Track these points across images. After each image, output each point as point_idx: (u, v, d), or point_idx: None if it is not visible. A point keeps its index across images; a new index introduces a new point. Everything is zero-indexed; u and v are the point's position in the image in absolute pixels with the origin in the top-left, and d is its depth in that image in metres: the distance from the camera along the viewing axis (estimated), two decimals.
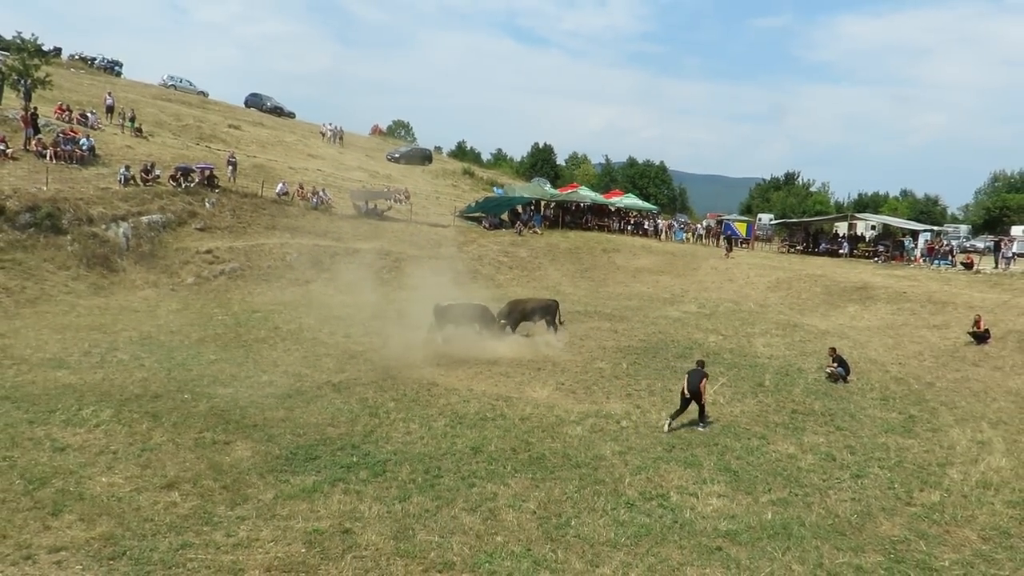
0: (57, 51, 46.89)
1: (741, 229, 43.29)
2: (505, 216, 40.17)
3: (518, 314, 20.16)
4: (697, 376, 13.46)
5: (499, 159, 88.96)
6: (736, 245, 39.73)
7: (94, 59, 53.73)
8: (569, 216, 42.30)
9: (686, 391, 13.36)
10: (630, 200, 48.17)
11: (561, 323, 20.67)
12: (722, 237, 41.59)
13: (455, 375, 16.03)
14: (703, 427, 13.38)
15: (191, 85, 56.78)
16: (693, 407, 13.48)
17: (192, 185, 29.26)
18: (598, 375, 16.74)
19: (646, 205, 49.68)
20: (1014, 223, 56.68)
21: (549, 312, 20.50)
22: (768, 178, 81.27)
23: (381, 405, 13.62)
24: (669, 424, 13.23)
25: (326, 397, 13.91)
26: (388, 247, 30.56)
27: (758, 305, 27.76)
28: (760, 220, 53.21)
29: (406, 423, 12.72)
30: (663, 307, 26.62)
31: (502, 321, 19.72)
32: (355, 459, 10.97)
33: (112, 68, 54.09)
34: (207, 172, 30.23)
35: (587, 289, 30.70)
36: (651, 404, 14.72)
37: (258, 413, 12.71)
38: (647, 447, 12.29)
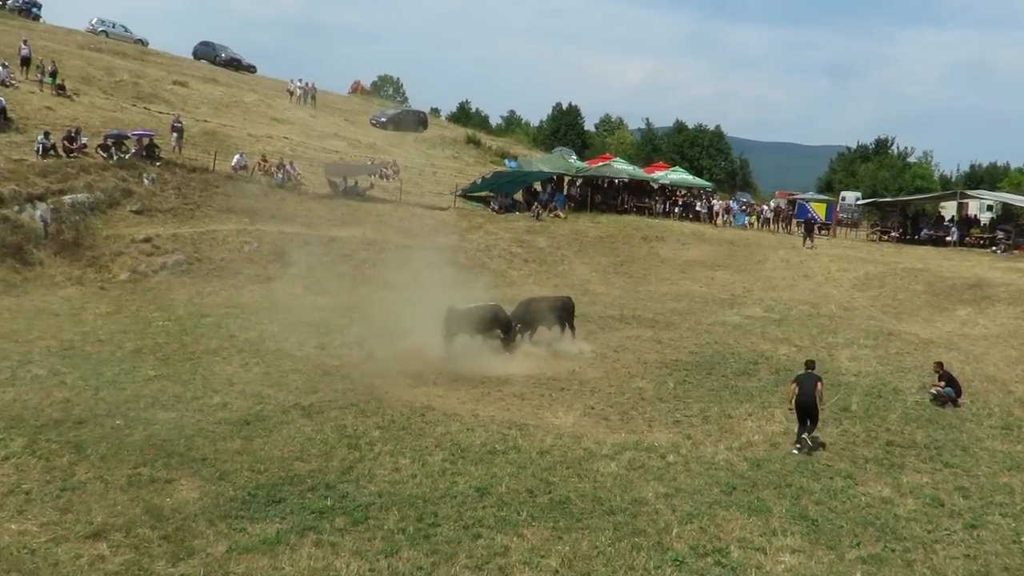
0: None
1: (820, 211, 43.01)
2: (519, 196, 40.13)
3: (535, 316, 20.19)
4: (811, 381, 13.81)
5: (512, 124, 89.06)
6: (815, 232, 39.48)
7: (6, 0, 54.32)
8: (600, 196, 42.21)
9: (800, 401, 13.71)
10: (677, 175, 48.03)
11: None
12: (796, 221, 41.30)
13: (456, 396, 16.00)
14: (799, 449, 13.65)
15: (126, 31, 57.23)
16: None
17: (127, 157, 29.44)
18: (637, 397, 16.64)
19: (698, 181, 49.51)
20: None
21: (568, 312, 20.64)
22: (853, 146, 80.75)
23: (363, 434, 13.58)
24: (799, 448, 13.69)
25: (294, 424, 13.89)
26: (372, 235, 30.60)
27: (842, 308, 27.52)
28: (844, 200, 52.69)
29: (394, 457, 12.68)
30: (720, 310, 26.46)
31: (517, 326, 19.74)
32: (330, 502, 10.92)
33: (29, 10, 54.56)
34: (146, 140, 30.42)
35: (623, 288, 30.58)
36: (705, 434, 14.59)
37: (208, 444, 12.71)
38: (700, 488, 12.16)
